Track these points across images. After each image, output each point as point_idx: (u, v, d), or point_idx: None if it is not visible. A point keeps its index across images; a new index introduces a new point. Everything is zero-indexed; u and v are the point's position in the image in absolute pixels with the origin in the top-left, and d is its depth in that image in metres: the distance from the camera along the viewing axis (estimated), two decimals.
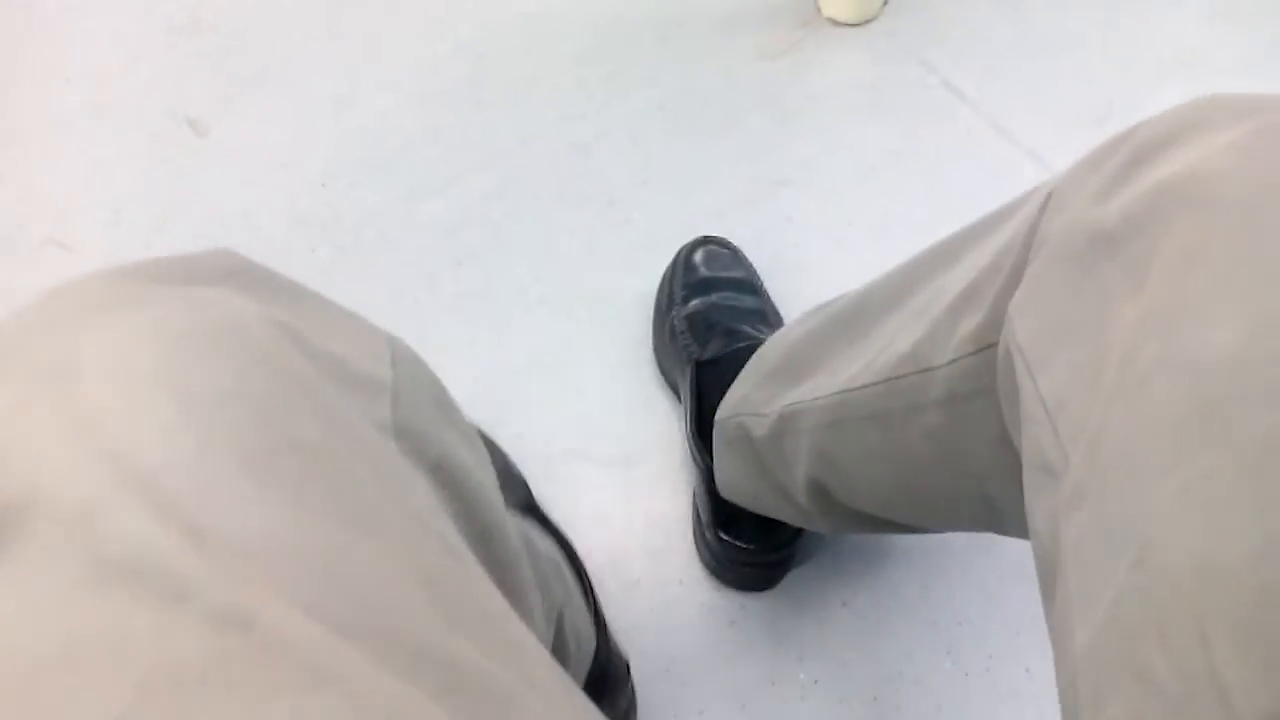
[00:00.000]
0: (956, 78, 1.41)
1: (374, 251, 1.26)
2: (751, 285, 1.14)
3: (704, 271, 1.14)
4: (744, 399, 0.86)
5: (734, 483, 0.90)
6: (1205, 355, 0.34)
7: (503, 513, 0.55)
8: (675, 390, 1.10)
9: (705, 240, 1.18)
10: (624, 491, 1.07)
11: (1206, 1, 1.49)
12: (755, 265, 1.21)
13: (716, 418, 0.91)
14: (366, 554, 0.31)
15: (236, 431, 0.31)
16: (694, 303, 1.09)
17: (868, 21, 1.48)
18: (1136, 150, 0.42)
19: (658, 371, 1.14)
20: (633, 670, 0.93)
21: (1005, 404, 0.53)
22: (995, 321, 0.53)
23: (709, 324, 1.06)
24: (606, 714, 0.87)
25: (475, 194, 1.31)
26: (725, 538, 0.95)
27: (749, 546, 0.95)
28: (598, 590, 0.94)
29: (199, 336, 0.34)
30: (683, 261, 1.16)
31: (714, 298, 1.09)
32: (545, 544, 0.84)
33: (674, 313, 1.10)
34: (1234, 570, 0.30)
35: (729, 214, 1.28)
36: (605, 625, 0.91)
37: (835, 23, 1.48)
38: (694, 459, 0.99)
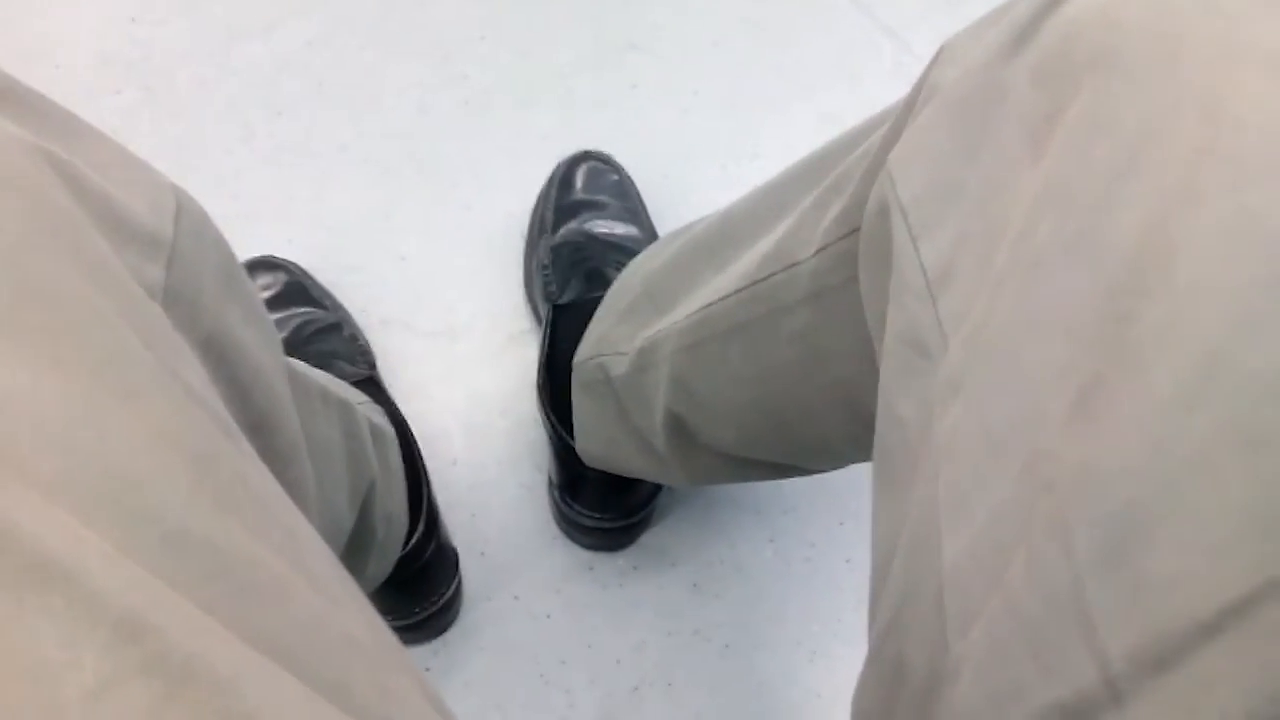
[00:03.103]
0: None
1: (186, 96, 1.16)
2: (632, 212, 1.04)
3: (580, 194, 1.05)
4: (602, 338, 0.80)
5: (591, 435, 0.84)
6: (1105, 240, 0.29)
7: (285, 402, 0.49)
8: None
9: (586, 155, 1.09)
10: (446, 366, 1.01)
11: None
12: (598, 131, 1.15)
13: (574, 361, 0.84)
14: (122, 422, 0.27)
15: None
16: (563, 230, 1.01)
17: None
18: None
19: (487, 241, 1.08)
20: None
21: (868, 267, 0.48)
22: (861, 202, 0.48)
23: (573, 261, 0.97)
24: (428, 603, 0.84)
25: (298, 39, 1.21)
26: (573, 504, 0.90)
27: (595, 514, 0.90)
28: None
29: None
30: (559, 178, 1.07)
31: (586, 226, 1.00)
32: (378, 417, 0.80)
33: (542, 242, 1.02)
34: (1110, 479, 0.27)
35: (571, 76, 1.21)
36: (437, 514, 0.88)
37: None
38: (541, 413, 0.91)
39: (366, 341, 0.98)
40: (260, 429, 0.46)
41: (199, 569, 0.26)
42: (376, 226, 1.09)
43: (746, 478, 0.77)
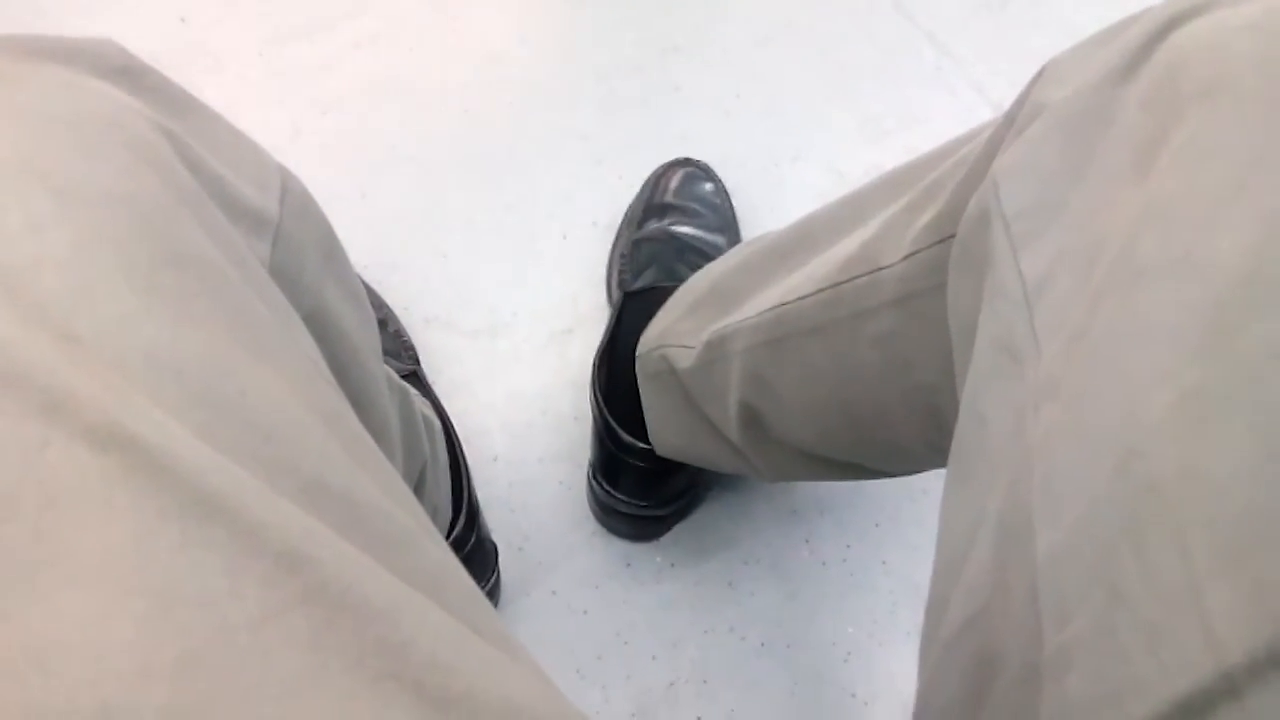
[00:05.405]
0: None
1: (234, 95, 1.18)
2: (719, 223, 1.06)
3: (671, 198, 1.07)
4: (666, 330, 0.80)
5: (664, 425, 0.84)
6: (1211, 259, 0.30)
7: (379, 380, 0.51)
8: None
9: (686, 162, 1.11)
10: (487, 364, 1.02)
11: None
12: (639, 133, 1.16)
13: (638, 352, 0.85)
14: (259, 378, 0.29)
15: (119, 235, 0.28)
16: (648, 227, 1.03)
17: None
18: (1157, 25, 0.38)
19: (529, 241, 1.10)
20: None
21: (960, 273, 0.48)
22: (955, 211, 0.49)
23: (651, 254, 0.99)
24: None
25: (345, 39, 1.23)
26: (610, 489, 0.91)
27: (631, 500, 0.90)
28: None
29: (80, 125, 0.30)
30: (654, 180, 1.09)
31: (671, 226, 1.02)
32: (427, 410, 0.81)
33: (626, 234, 1.04)
34: (1225, 483, 0.27)
35: (613, 78, 1.22)
36: (477, 508, 0.88)
37: None
38: (591, 394, 0.91)
39: (410, 339, 1.00)
40: (355, 405, 0.47)
41: (337, 518, 0.27)
42: (419, 225, 1.10)
43: (822, 476, 0.78)
